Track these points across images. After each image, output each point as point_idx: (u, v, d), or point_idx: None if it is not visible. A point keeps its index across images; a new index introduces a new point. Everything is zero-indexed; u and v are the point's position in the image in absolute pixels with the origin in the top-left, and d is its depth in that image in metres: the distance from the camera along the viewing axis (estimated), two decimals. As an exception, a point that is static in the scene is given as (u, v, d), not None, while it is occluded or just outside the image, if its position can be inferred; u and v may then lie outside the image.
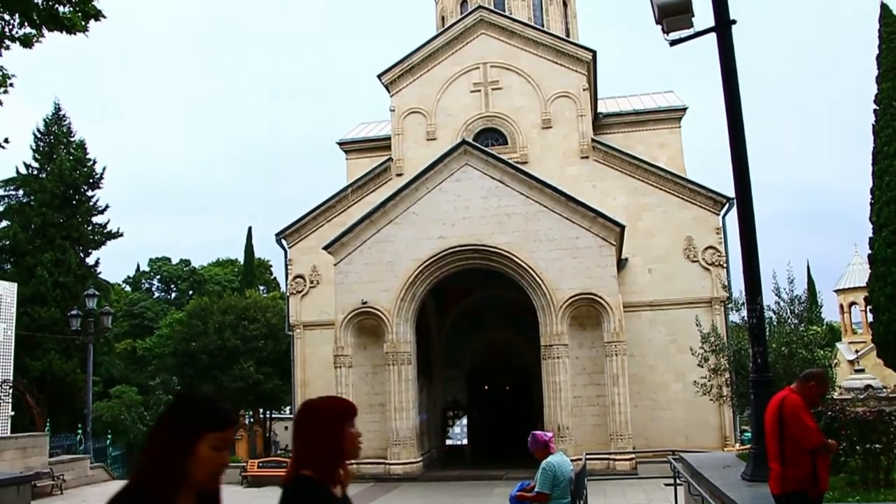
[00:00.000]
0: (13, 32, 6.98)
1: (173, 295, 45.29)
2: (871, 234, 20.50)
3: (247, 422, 36.01)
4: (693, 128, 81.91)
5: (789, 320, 11.10)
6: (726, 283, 18.01)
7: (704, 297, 18.59)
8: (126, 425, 21.19)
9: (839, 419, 6.58)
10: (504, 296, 18.17)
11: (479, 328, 20.52)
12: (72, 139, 26.86)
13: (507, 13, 21.80)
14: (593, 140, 19.74)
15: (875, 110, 20.72)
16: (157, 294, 45.59)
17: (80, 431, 19.20)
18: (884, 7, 21.23)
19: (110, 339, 28.04)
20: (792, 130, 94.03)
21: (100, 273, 27.00)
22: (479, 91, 20.34)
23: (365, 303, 16.00)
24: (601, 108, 21.95)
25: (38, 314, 22.23)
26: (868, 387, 16.93)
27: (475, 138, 19.13)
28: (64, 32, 6.83)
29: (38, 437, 15.66)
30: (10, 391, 17.30)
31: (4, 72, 7.85)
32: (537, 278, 15.55)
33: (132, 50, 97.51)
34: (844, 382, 18.27)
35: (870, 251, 20.65)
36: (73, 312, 18.32)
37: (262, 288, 42.04)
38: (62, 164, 24.84)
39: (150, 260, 46.13)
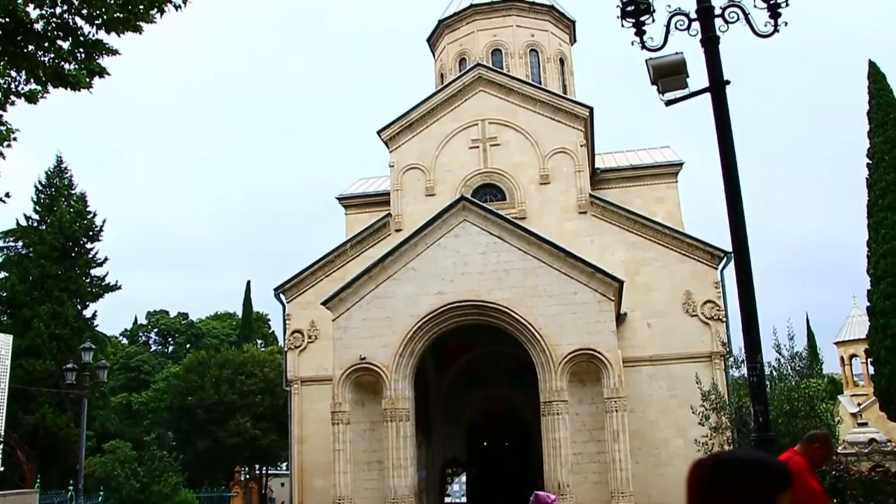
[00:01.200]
0: (19, 88, 7.07)
1: (171, 348, 45.09)
2: (869, 287, 20.58)
3: (242, 478, 35.51)
4: (690, 181, 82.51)
5: (790, 376, 11.05)
6: (725, 340, 17.99)
7: (704, 351, 18.48)
8: (119, 482, 20.88)
9: (844, 479, 6.51)
10: (503, 351, 18.03)
11: (479, 384, 20.37)
12: (73, 191, 26.99)
13: (504, 71, 22.12)
14: (591, 195, 19.84)
15: (868, 164, 20.99)
16: (154, 347, 45.40)
17: (71, 488, 18.89)
18: (871, 65, 21.70)
19: (106, 392, 27.78)
20: (787, 183, 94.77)
21: (97, 326, 26.91)
22: (478, 147, 20.55)
23: (363, 358, 15.89)
24: (599, 164, 22.15)
25: (32, 367, 22.09)
26: (872, 441, 16.72)
27: (474, 194, 19.26)
28: (69, 89, 6.92)
29: (27, 495, 15.43)
30: (1, 446, 17.07)
31: (8, 126, 7.93)
32: (536, 334, 15.49)
33: (134, 101, 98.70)
34: (848, 436, 18.07)
35: (868, 303, 20.70)
36: (69, 366, 18.19)
37: (259, 342, 41.88)
38: (62, 217, 24.95)
39: (148, 313, 46.02)
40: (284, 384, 21.23)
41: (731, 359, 17.04)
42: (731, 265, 7.24)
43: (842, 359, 35.41)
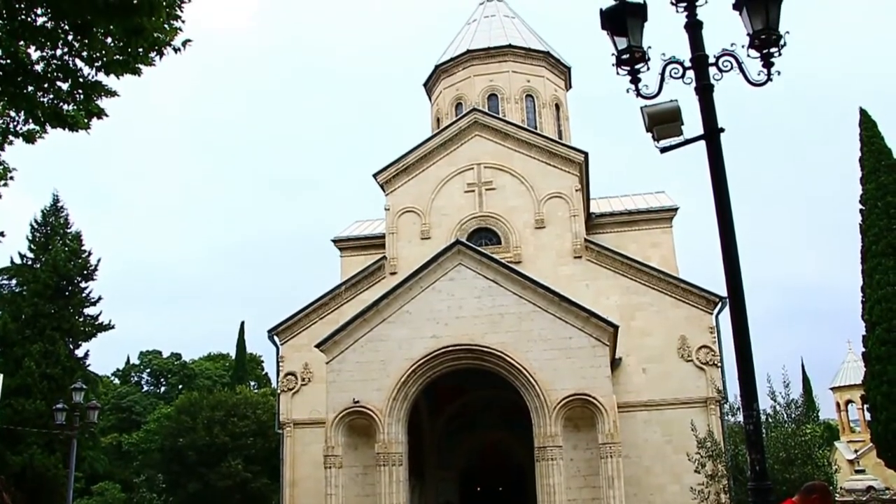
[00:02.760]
0: (17, 128, 7.12)
1: (163, 389, 44.74)
2: (864, 332, 20.59)
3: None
4: (686, 225, 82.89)
5: (786, 423, 10.97)
6: (721, 386, 17.92)
7: (699, 396, 18.39)
8: (107, 525, 20.51)
9: (842, 529, 6.43)
10: (497, 395, 17.92)
11: (473, 428, 20.19)
12: (68, 230, 27.02)
13: (500, 116, 22.31)
14: (586, 240, 19.90)
15: (861, 210, 21.16)
16: (146, 388, 45.01)
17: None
18: (863, 113, 22.02)
19: (96, 433, 27.48)
20: (782, 228, 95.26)
21: (89, 365, 26.67)
22: (473, 191, 20.65)
23: (357, 402, 15.74)
24: (594, 209, 22.25)
25: (22, 406, 21.81)
26: (870, 488, 16.55)
27: (469, 238, 19.31)
28: (67, 129, 6.96)
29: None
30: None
31: (5, 165, 7.94)
32: (531, 378, 15.39)
33: (130, 140, 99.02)
34: (845, 484, 17.89)
35: (864, 349, 20.70)
36: (59, 406, 17.98)
37: (252, 383, 41.56)
38: (57, 255, 24.91)
39: (141, 353, 45.74)
40: (277, 427, 21.01)
41: (727, 405, 16.97)
42: (726, 310, 7.24)
43: (837, 404, 35.22)
